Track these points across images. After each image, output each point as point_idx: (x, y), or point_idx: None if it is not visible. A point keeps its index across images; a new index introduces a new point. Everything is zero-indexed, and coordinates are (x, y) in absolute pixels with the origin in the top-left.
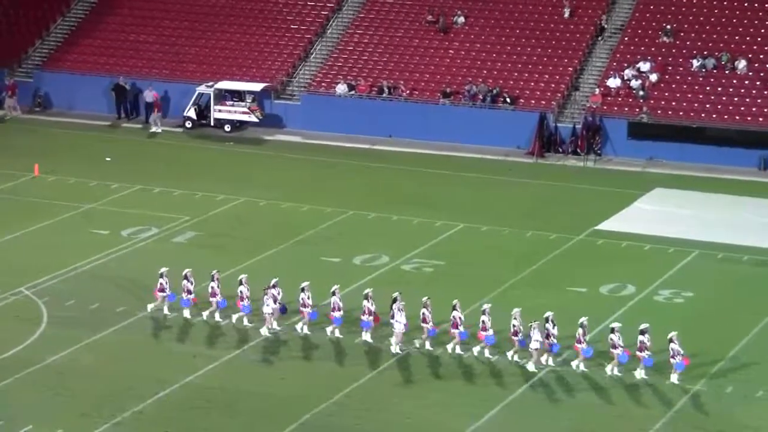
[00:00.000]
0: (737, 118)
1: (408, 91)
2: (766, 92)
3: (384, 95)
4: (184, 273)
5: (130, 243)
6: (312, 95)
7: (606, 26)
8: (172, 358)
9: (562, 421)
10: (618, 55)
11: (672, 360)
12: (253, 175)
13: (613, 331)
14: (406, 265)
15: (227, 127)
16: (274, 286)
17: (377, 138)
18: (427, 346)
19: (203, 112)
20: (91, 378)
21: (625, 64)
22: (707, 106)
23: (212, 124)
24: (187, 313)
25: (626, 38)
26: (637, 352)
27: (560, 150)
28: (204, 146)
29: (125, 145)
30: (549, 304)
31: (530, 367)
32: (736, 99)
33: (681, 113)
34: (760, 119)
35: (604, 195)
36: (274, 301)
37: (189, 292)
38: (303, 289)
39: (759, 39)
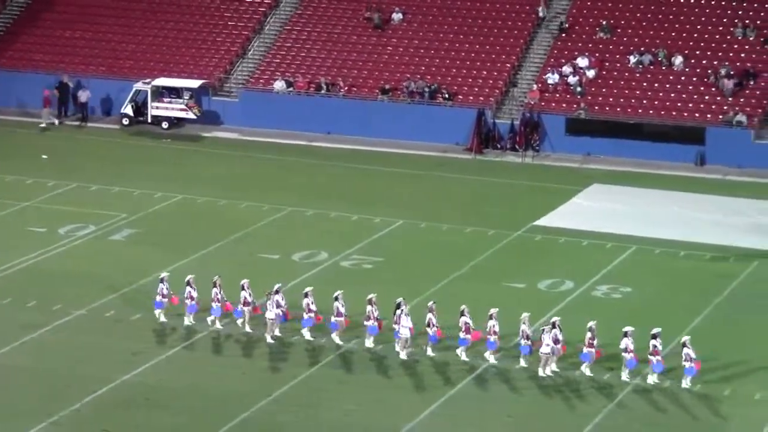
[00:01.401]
0: (674, 114)
1: (346, 88)
2: (702, 88)
3: (322, 92)
4: (186, 279)
5: (67, 241)
6: (250, 92)
7: (544, 15)
8: (110, 355)
9: (502, 417)
10: (555, 52)
11: (684, 364)
12: (190, 172)
13: (626, 335)
14: (345, 261)
15: (165, 124)
16: (277, 292)
17: (315, 135)
18: (430, 352)
19: (140, 109)
20: (27, 377)
21: (563, 61)
22: (644, 102)
23: (149, 121)
24: (189, 320)
25: (564, 34)
26: (649, 356)
27: (498, 146)
28: (141, 143)
29: (62, 142)
30: (487, 299)
31: (541, 371)
32: (672, 95)
33: (618, 109)
34: (697, 115)
35: (542, 191)
36: (277, 307)
37: (191, 298)
38: (306, 294)
39: (695, 35)
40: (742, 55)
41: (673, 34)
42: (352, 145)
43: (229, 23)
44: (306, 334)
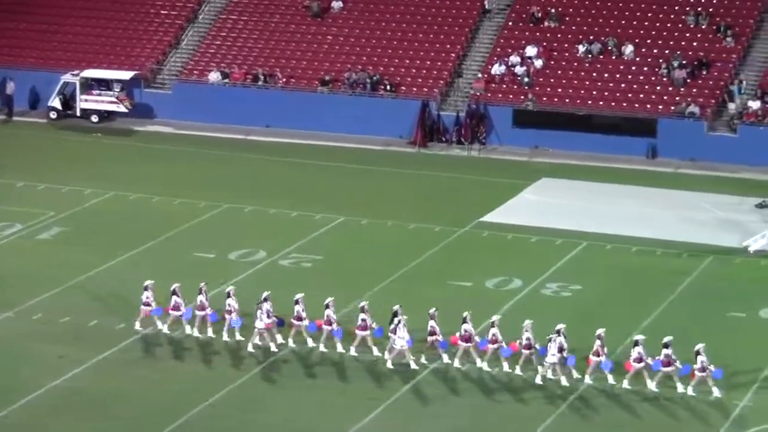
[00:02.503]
0: (625, 105)
1: (285, 79)
2: (653, 78)
3: (260, 83)
4: (172, 288)
5: None
6: (184, 84)
7: (490, 7)
8: (39, 360)
9: (446, 421)
10: (502, 41)
11: (698, 374)
12: (122, 168)
13: (636, 344)
14: (283, 260)
15: (94, 118)
16: (265, 300)
17: (253, 128)
18: (446, 359)
19: (69, 102)
20: None
21: (510, 50)
22: (594, 92)
23: (78, 114)
24: (188, 330)
25: (510, 23)
26: (662, 368)
27: (443, 139)
28: (70, 138)
29: None
30: (433, 299)
31: (539, 379)
32: (623, 85)
33: (567, 100)
34: (648, 106)
35: (489, 185)
36: (268, 316)
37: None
38: (297, 302)
39: (646, 23)
40: (695, 43)
41: (623, 22)
42: (291, 138)
43: (162, 12)
44: (309, 341)
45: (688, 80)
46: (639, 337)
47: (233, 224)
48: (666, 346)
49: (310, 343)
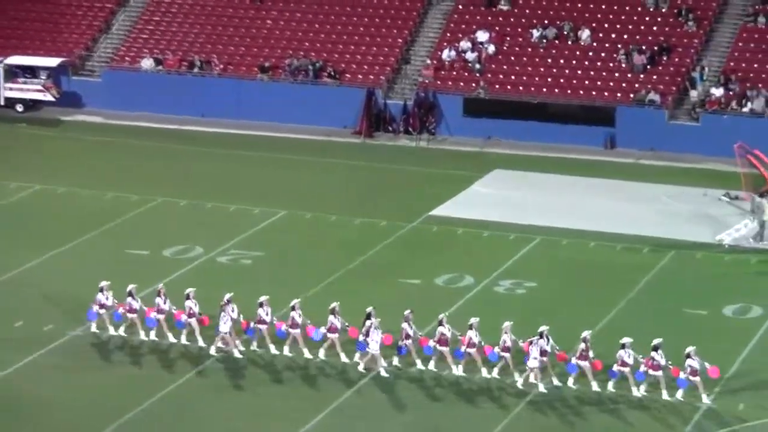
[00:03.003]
0: (581, 93)
1: (222, 66)
2: (611, 65)
3: (195, 70)
4: (128, 290)
5: None
6: (114, 71)
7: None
8: None
9: (395, 425)
10: (452, 25)
11: (690, 377)
12: (49, 160)
13: (623, 347)
14: (221, 257)
15: (19, 107)
16: (228, 302)
17: (188, 118)
18: (456, 369)
19: None
20: None
21: (460, 35)
22: (549, 80)
23: (2, 103)
24: (143, 335)
25: (460, 6)
26: (650, 371)
27: (390, 129)
28: None
29: None
30: (380, 297)
31: (520, 383)
32: (579, 72)
33: (521, 88)
34: (606, 94)
35: (439, 178)
36: (231, 319)
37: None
38: (261, 304)
39: (603, 7)
40: (655, 28)
41: (580, 5)
42: (228, 128)
43: None
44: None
45: (648, 67)
46: (626, 340)
47: (167, 219)
48: (655, 349)
49: (273, 349)
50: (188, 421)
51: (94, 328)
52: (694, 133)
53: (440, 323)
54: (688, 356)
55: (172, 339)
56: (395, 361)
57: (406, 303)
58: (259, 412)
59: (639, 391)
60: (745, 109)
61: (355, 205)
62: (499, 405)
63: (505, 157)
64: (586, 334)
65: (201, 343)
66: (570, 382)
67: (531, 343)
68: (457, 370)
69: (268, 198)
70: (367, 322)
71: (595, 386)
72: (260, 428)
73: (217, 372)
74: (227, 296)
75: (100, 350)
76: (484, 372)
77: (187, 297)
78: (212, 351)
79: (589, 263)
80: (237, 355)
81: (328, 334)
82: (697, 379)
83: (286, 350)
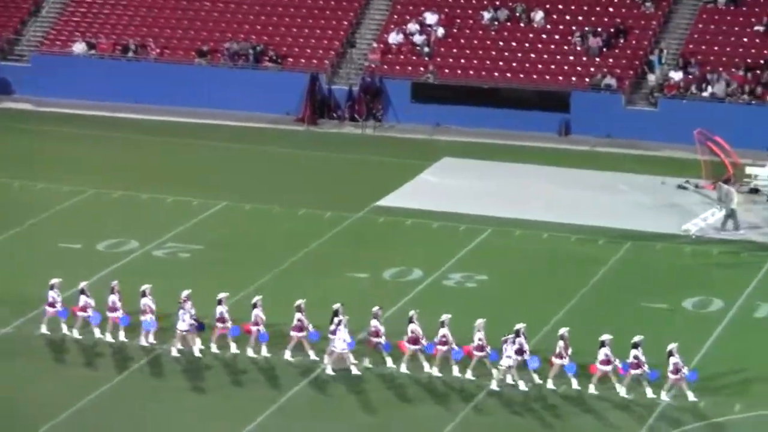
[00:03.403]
0: (534, 77)
1: (158, 50)
2: (566, 48)
3: (130, 55)
4: (80, 288)
5: None
6: (44, 56)
7: None
8: None
9: (342, 424)
10: (399, 7)
11: (671, 377)
12: None
13: (603, 345)
14: (158, 250)
15: None
16: (187, 299)
17: (122, 104)
18: (390, 364)
19: None
20: None
21: (407, 17)
22: (501, 64)
23: None
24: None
25: None
26: (631, 370)
27: (335, 116)
28: None
29: None
30: (326, 292)
31: (494, 385)
32: (532, 56)
33: (471, 72)
34: (560, 78)
35: (386, 166)
36: (191, 317)
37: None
38: (220, 302)
39: None
40: (611, 9)
41: None
42: (164, 116)
43: None
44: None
45: (604, 50)
46: (606, 337)
47: (101, 211)
48: (635, 346)
49: (234, 348)
50: (122, 421)
51: (44, 329)
52: (652, 119)
53: (410, 320)
54: (671, 354)
55: (122, 338)
56: (366, 361)
57: (353, 298)
58: (200, 411)
59: (623, 392)
60: (705, 94)
61: (298, 195)
62: (445, 407)
63: (455, 144)
64: (563, 331)
65: (146, 341)
66: (574, 383)
67: (506, 341)
68: (432, 369)
69: (207, 189)
70: (335, 320)
71: (575, 384)
72: (202, 427)
73: (148, 373)
74: (185, 293)
75: (38, 349)
76: (455, 370)
77: (143, 294)
78: (173, 353)
79: (543, 255)
80: (197, 354)
81: (294, 333)
82: (677, 377)
83: (287, 354)
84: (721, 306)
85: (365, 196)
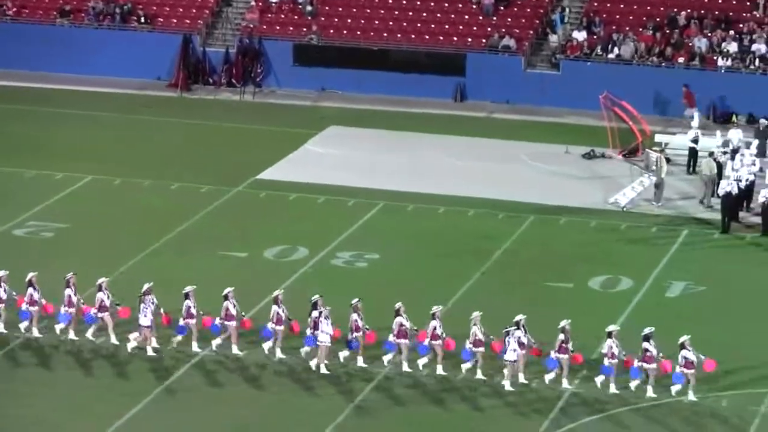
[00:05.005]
0: (427, 38)
1: (15, 9)
2: (460, 6)
3: None
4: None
5: None
6: None
7: None
8: None
9: (223, 417)
10: None
11: (686, 371)
12: None
13: (609, 335)
14: (18, 229)
15: None
16: (149, 292)
17: None
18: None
19: None
20: None
21: None
22: (390, 24)
23: None
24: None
25: None
26: (642, 363)
27: (211, 81)
28: None
29: None
30: (202, 273)
31: (507, 385)
32: (424, 15)
33: (359, 33)
34: (455, 39)
35: (267, 136)
36: (152, 311)
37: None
38: (187, 296)
39: None
40: None
41: None
42: (21, 81)
43: None
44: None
45: (501, 8)
46: (612, 328)
47: None
48: (646, 339)
49: (195, 347)
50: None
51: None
52: (554, 83)
53: (397, 313)
54: (683, 347)
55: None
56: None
57: (231, 279)
58: (76, 406)
59: (612, 389)
60: (611, 56)
61: (171, 168)
62: (332, 397)
63: (342, 111)
64: (565, 323)
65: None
66: (547, 377)
67: (507, 334)
68: (420, 367)
69: (71, 162)
70: (314, 313)
71: (565, 383)
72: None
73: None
74: (146, 285)
75: None
76: (439, 369)
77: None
78: (129, 349)
79: (438, 231)
80: (150, 353)
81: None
82: (692, 371)
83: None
84: (630, 285)
85: (244, 168)
